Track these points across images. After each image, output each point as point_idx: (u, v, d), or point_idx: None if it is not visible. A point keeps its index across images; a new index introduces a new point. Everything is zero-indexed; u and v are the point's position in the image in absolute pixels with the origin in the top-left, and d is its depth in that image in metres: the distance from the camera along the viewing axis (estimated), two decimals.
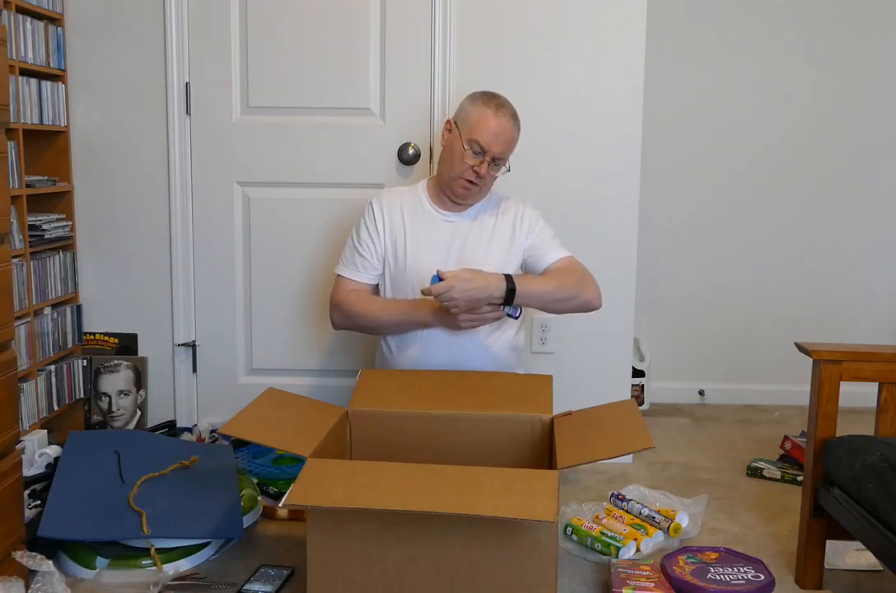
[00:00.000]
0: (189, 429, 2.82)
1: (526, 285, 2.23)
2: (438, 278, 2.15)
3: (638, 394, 3.32)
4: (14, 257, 2.41)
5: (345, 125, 2.78)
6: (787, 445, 2.81)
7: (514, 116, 2.33)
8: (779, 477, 2.68)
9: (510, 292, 2.19)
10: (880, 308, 3.51)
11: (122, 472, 2.18)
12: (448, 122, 2.39)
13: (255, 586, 1.92)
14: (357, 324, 2.42)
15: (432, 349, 2.35)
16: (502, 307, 2.23)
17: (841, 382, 1.92)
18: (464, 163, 2.30)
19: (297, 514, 2.26)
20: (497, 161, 2.32)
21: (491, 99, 2.33)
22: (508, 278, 2.20)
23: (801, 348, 1.96)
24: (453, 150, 2.33)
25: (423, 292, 2.20)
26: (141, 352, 2.91)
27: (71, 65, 2.77)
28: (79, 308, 2.86)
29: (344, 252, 2.45)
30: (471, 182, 2.32)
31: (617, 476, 2.68)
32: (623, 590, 1.86)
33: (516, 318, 2.31)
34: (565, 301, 2.29)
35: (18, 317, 2.43)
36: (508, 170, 2.37)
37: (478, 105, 2.32)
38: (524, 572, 1.67)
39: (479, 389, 2.23)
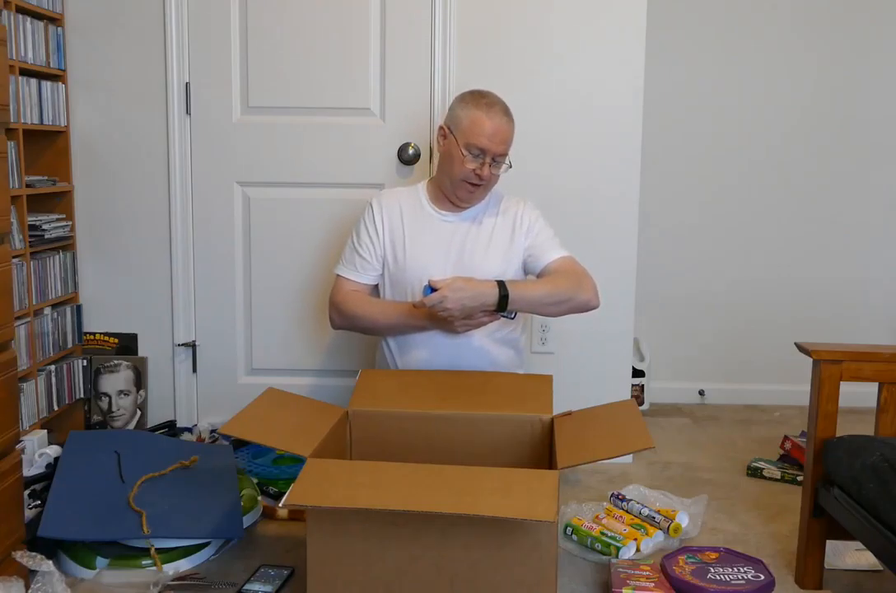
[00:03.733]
0: (189, 429, 2.82)
1: (519, 291, 2.21)
2: (431, 288, 2.15)
3: (638, 394, 3.32)
4: (14, 257, 2.41)
5: (345, 125, 2.78)
6: (787, 445, 2.81)
7: (506, 112, 2.30)
8: (779, 477, 2.68)
9: (503, 298, 2.18)
10: (880, 308, 3.51)
11: (122, 472, 2.18)
12: (441, 127, 2.36)
13: (255, 586, 1.92)
14: (355, 325, 2.41)
15: (432, 350, 2.34)
16: (497, 312, 2.23)
17: (841, 382, 1.92)
18: (465, 168, 2.28)
19: (297, 514, 2.26)
20: (498, 159, 2.30)
21: (480, 99, 2.30)
22: (501, 284, 2.19)
23: (801, 348, 1.96)
24: (452, 156, 2.31)
25: (415, 305, 2.20)
26: (141, 352, 2.91)
27: (71, 65, 2.77)
28: (79, 308, 2.86)
29: (344, 252, 2.45)
30: (474, 185, 2.31)
31: (617, 476, 2.68)
32: (623, 590, 1.87)
33: (512, 319, 2.30)
34: (561, 303, 2.28)
35: (18, 317, 2.43)
36: (510, 167, 2.35)
37: (468, 107, 2.30)
38: (524, 572, 1.67)
39: (479, 389, 2.23)
